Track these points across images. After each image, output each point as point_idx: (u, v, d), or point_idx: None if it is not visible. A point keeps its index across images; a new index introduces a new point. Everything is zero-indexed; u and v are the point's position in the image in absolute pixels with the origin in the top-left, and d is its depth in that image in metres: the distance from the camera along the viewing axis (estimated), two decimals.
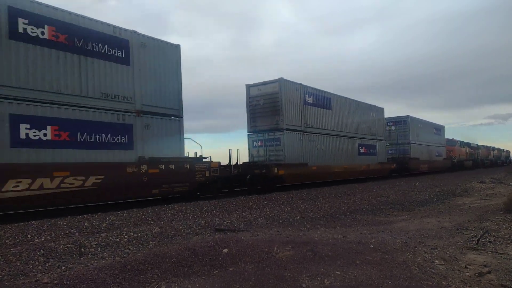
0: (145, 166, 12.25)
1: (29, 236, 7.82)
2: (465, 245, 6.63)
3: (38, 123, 10.14)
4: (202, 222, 9.39)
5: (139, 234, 7.93)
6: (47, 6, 10.54)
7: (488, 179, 25.70)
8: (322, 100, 21.92)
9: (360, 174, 26.01)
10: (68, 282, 4.39)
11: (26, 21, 9.99)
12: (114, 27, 12.12)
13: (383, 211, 12.25)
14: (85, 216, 9.94)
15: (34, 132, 10.06)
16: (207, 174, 14.51)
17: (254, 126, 19.47)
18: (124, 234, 7.88)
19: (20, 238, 7.64)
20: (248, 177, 17.06)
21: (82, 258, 6.26)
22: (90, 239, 7.41)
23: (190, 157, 14.54)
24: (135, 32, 12.67)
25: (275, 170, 17.33)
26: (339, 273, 4.58)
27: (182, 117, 14.30)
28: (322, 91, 22.13)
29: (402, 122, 32.82)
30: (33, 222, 9.02)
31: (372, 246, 5.89)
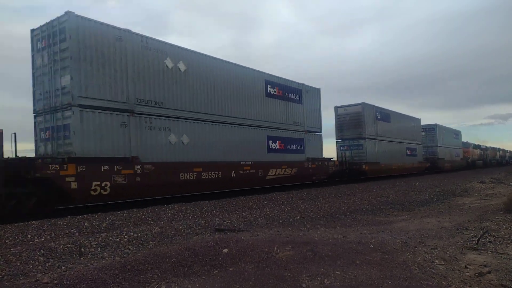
0: (310, 163, 20.78)
1: (29, 236, 7.81)
2: (465, 245, 6.63)
3: (275, 139, 18.88)
4: (202, 222, 9.39)
5: (139, 234, 7.93)
6: (277, 77, 19.44)
7: (488, 179, 25.70)
8: (385, 116, 30.19)
9: (407, 170, 33.92)
10: (68, 282, 4.39)
11: (270, 86, 18.78)
12: (298, 83, 20.82)
13: (383, 211, 12.25)
14: (85, 216, 9.94)
15: (274, 144, 18.74)
16: (333, 168, 23.23)
17: (341, 135, 28.05)
18: (124, 234, 7.88)
19: (20, 238, 7.64)
20: (346, 171, 25.20)
21: (82, 258, 6.26)
22: (90, 239, 7.41)
23: (327, 158, 22.93)
24: (303, 84, 21.21)
25: (364, 166, 25.96)
26: (339, 273, 4.58)
27: (321, 132, 22.72)
28: (385, 109, 30.42)
29: (431, 129, 41.33)
30: (33, 222, 9.01)
31: (372, 246, 5.89)
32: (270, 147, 18.31)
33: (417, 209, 12.60)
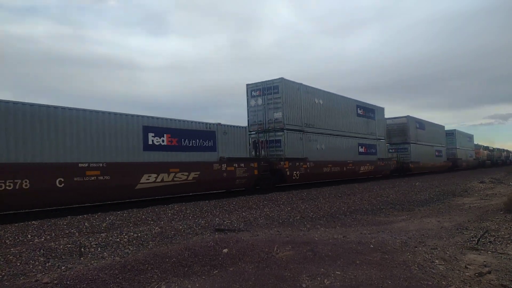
0: (381, 161, 29.30)
1: (29, 236, 7.82)
2: (465, 245, 6.63)
3: (362, 145, 26.79)
4: (202, 222, 9.39)
5: (139, 234, 7.94)
6: (362, 102, 26.99)
7: (488, 179, 25.69)
8: (421, 125, 37.72)
9: (437, 168, 41.37)
10: (68, 282, 4.39)
11: (358, 108, 26.63)
12: (372, 104, 28.33)
13: (383, 211, 12.25)
14: (85, 216, 9.95)
15: (361, 149, 26.66)
16: (393, 166, 31.14)
17: (389, 141, 34.17)
18: (124, 234, 7.88)
19: (20, 238, 7.64)
20: (399, 168, 32.32)
21: (82, 258, 6.26)
22: (90, 239, 7.41)
23: (388, 158, 31.81)
24: (375, 105, 27.84)
25: (410, 165, 33.57)
26: (339, 273, 4.58)
27: (385, 139, 31.79)
28: (421, 120, 38.08)
29: (451, 134, 49.01)
30: (33, 222, 9.02)
31: (372, 246, 5.89)
32: (359, 151, 26.27)
33: (417, 209, 12.60)
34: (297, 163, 19.72)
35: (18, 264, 5.79)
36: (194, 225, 9.03)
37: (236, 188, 16.98)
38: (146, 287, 4.40)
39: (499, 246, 6.51)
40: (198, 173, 14.50)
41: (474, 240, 6.88)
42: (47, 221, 9.14)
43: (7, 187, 9.55)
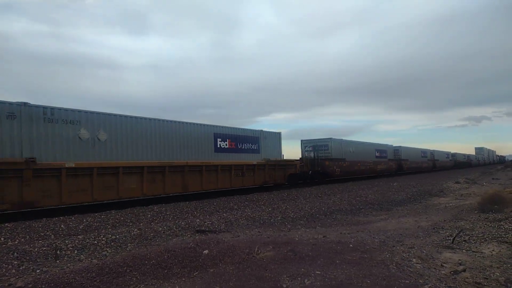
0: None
1: (2, 238, 7.56)
2: (441, 244, 6.78)
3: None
4: (183, 223, 9.30)
5: (118, 236, 7.79)
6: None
7: (463, 179, 26.43)
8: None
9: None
10: (43, 286, 4.26)
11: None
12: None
13: (362, 211, 12.42)
14: (61, 218, 9.70)
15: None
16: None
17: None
18: (102, 236, 7.72)
19: None
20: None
21: (58, 261, 6.10)
22: (66, 241, 7.23)
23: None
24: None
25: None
26: (319, 272, 4.61)
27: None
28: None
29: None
30: (6, 224, 8.73)
31: (351, 245, 5.96)
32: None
33: (395, 209, 12.83)
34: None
35: None
36: (174, 226, 8.93)
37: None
38: None
39: (473, 245, 6.70)
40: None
41: (450, 239, 7.05)
42: (21, 223, 8.87)
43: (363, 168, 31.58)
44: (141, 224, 9.40)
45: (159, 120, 15.07)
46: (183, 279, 4.61)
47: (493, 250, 6.24)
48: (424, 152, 52.11)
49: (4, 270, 5.53)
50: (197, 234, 8.12)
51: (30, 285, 4.29)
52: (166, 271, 4.90)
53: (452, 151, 69.30)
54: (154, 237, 7.97)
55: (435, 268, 5.14)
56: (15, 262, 5.89)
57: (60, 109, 11.60)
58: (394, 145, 42.22)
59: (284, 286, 4.22)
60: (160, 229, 8.61)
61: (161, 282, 4.53)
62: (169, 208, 11.73)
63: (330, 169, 26.72)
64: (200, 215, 11.01)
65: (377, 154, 36.42)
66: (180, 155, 15.51)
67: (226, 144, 18.01)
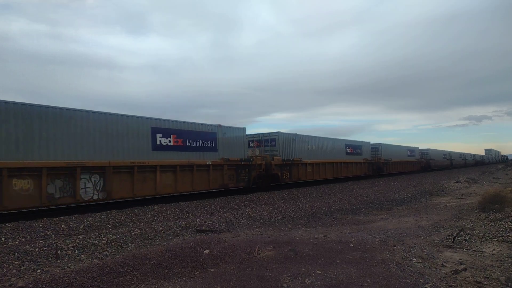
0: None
1: (3, 238, 7.57)
2: (442, 243, 6.79)
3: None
4: (183, 223, 9.30)
5: (118, 236, 7.79)
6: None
7: (463, 178, 26.42)
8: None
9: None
10: (44, 286, 4.27)
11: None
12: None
13: (363, 210, 12.42)
14: (61, 218, 9.71)
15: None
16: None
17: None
18: (102, 236, 7.72)
19: None
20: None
21: (58, 261, 6.10)
22: (67, 241, 7.23)
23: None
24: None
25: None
26: (320, 272, 4.61)
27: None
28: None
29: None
30: (7, 224, 8.74)
31: (352, 245, 5.96)
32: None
33: (395, 208, 12.83)
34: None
35: None
36: (175, 226, 8.93)
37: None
38: None
39: (474, 244, 6.70)
40: None
41: (450, 239, 7.05)
42: (22, 223, 8.88)
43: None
44: (142, 224, 9.41)
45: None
46: (184, 278, 4.62)
47: (493, 250, 6.24)
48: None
49: (5, 270, 5.54)
50: (197, 234, 8.12)
51: (31, 285, 4.29)
52: (166, 270, 4.90)
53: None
54: (155, 237, 7.98)
55: (435, 268, 5.14)
56: (16, 262, 5.90)
57: None
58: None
59: (285, 285, 4.22)
60: (161, 228, 8.62)
61: (161, 282, 4.54)
62: (169, 208, 11.74)
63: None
64: (200, 214, 11.01)
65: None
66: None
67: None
